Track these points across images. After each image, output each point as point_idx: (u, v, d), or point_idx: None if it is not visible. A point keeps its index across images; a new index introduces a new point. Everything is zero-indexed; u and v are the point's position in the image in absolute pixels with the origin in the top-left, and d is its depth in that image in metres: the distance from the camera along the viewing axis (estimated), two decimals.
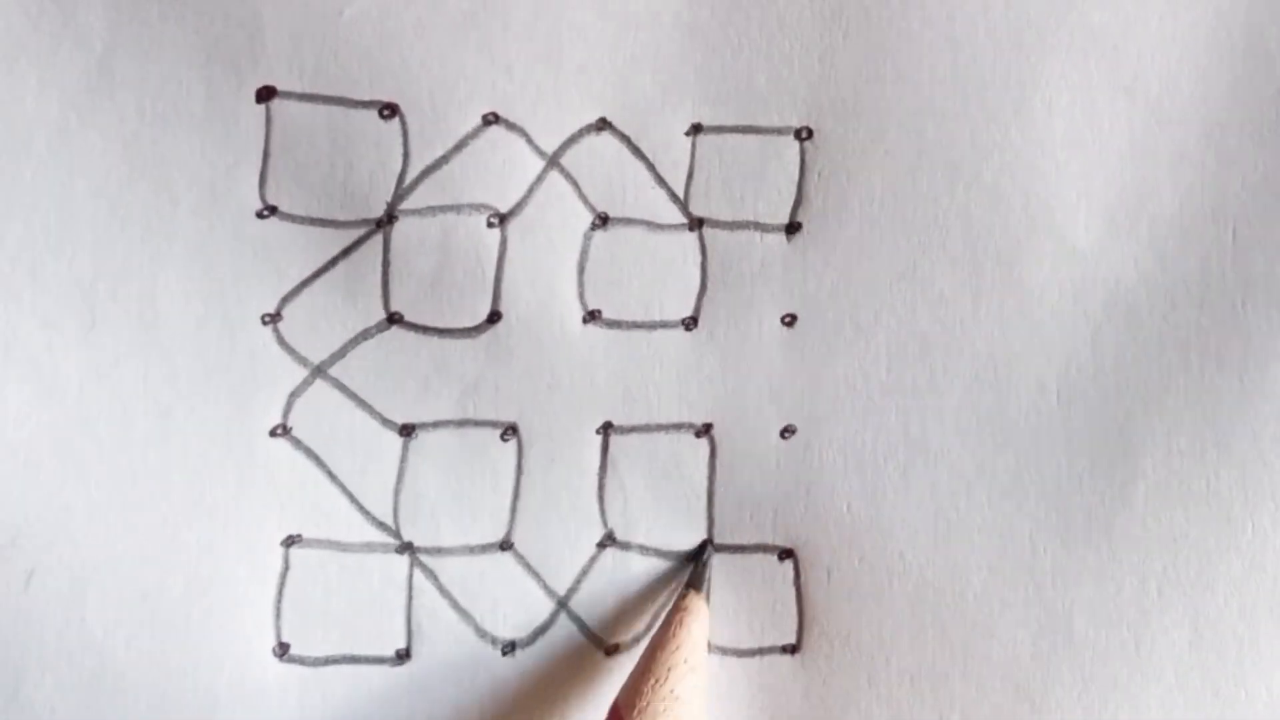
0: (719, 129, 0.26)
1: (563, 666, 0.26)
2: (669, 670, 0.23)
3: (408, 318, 0.26)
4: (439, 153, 0.26)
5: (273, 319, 0.26)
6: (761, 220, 0.26)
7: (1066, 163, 0.26)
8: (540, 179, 0.26)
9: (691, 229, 0.26)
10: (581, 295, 0.26)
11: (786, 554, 0.26)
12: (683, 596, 0.25)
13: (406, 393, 0.26)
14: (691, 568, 0.26)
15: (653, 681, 0.23)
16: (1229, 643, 0.26)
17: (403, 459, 0.26)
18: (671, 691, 0.22)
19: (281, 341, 0.26)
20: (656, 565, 0.26)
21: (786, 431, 0.26)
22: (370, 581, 0.26)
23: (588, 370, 0.26)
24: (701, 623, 0.24)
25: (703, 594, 0.25)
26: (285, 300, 0.26)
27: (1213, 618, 0.26)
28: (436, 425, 0.26)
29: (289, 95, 0.26)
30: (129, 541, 0.25)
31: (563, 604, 0.26)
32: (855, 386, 0.26)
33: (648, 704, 0.22)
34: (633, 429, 0.26)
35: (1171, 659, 0.26)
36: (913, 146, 0.26)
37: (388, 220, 0.26)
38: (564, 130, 0.26)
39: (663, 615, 0.26)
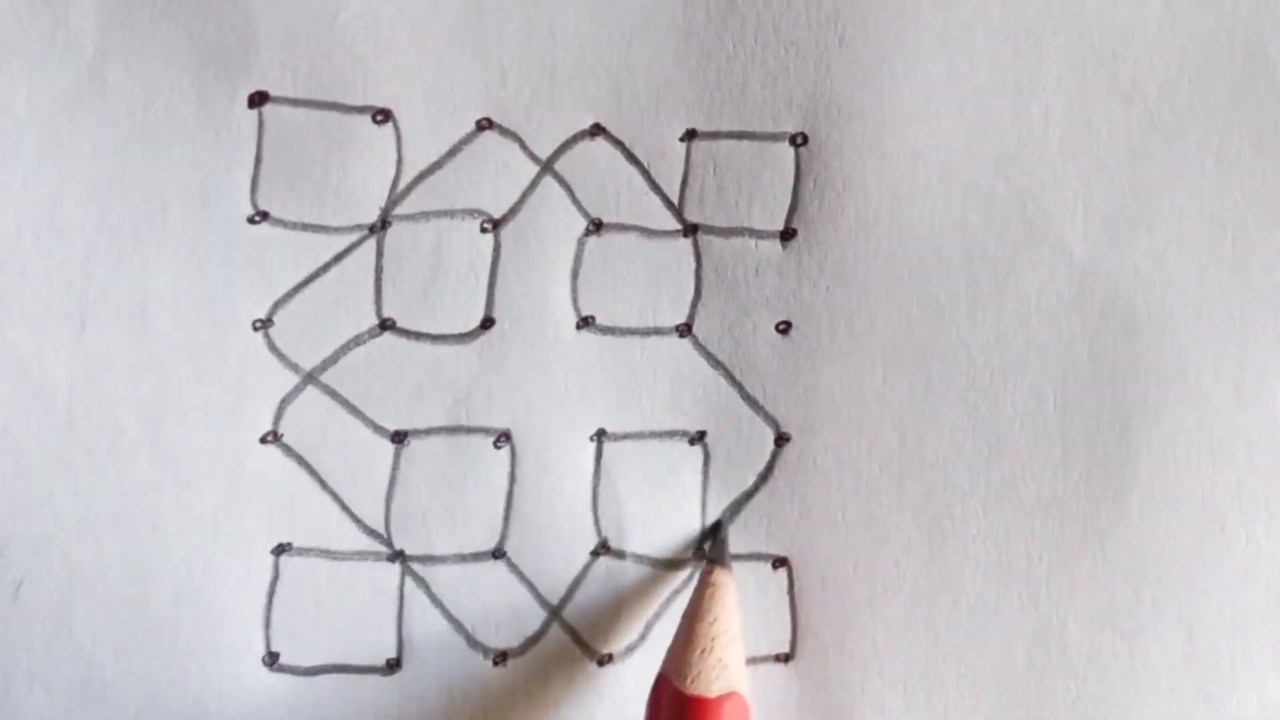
0: (713, 135, 0.27)
1: (554, 676, 0.27)
2: (713, 640, 0.23)
3: (400, 324, 0.27)
4: (432, 158, 0.27)
5: (264, 324, 0.27)
6: (756, 226, 0.27)
7: (1063, 169, 0.27)
8: (534, 184, 0.27)
9: (686, 235, 0.27)
10: (575, 301, 0.27)
11: (780, 562, 0.27)
12: (708, 573, 0.25)
13: (398, 399, 0.27)
14: (710, 544, 0.26)
15: (699, 652, 0.23)
16: (1222, 651, 0.27)
17: (394, 466, 0.27)
18: (720, 660, 0.23)
19: (273, 347, 0.27)
20: (650, 574, 0.27)
21: (781, 439, 0.27)
22: (361, 590, 0.27)
23: (581, 377, 0.27)
24: (732, 595, 0.25)
25: (727, 568, 0.25)
26: (277, 306, 0.27)
27: (1207, 626, 0.27)
28: (429, 432, 0.27)
29: (281, 100, 0.27)
30: (118, 550, 0.26)
31: (555, 613, 0.27)
32: (850, 394, 0.27)
33: (699, 673, 0.23)
34: (626, 436, 0.27)
35: (1165, 667, 0.27)
36: (908, 153, 0.27)
37: (381, 226, 0.27)
38: (558, 136, 0.27)
39: (657, 625, 0.27)
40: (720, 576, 0.25)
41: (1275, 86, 0.27)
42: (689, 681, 0.23)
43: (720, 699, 0.23)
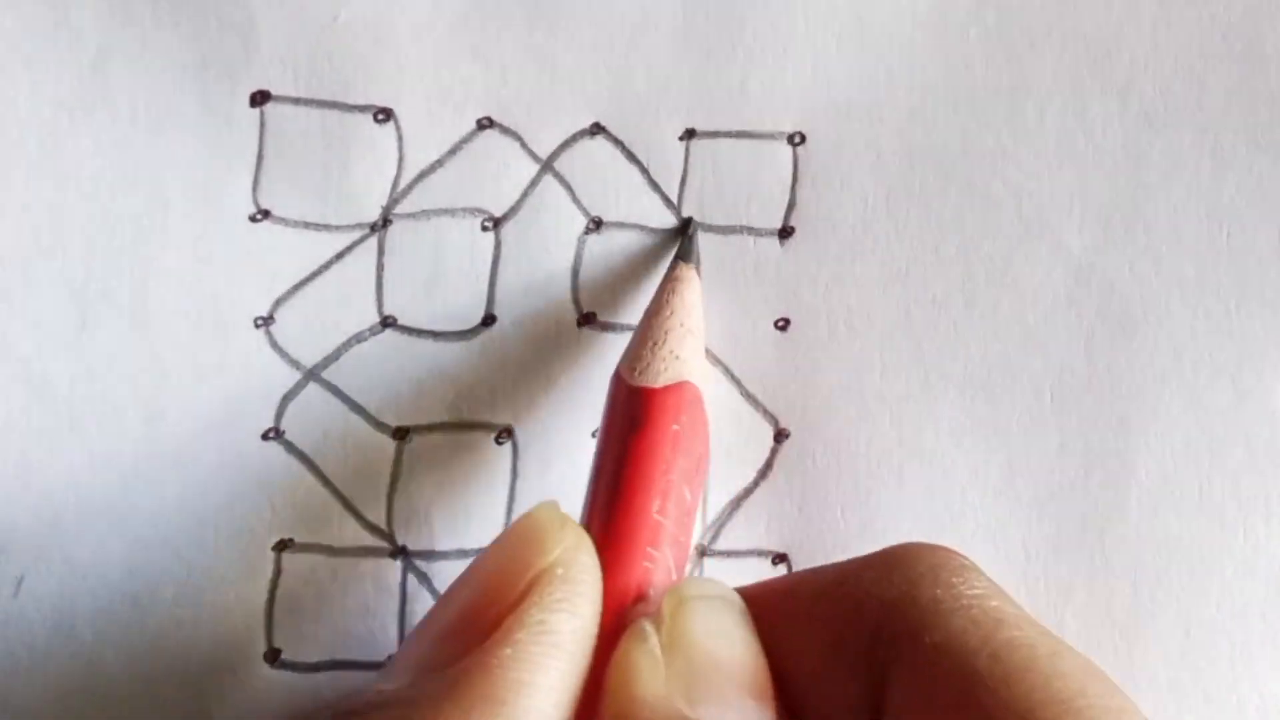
0: (712, 134, 0.27)
1: None
2: (666, 334, 0.23)
3: (401, 321, 0.27)
4: (433, 156, 0.27)
5: (265, 322, 0.27)
6: (754, 225, 0.28)
7: (1060, 167, 0.27)
8: (534, 183, 0.28)
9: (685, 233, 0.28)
10: (576, 298, 0.28)
11: (780, 558, 0.27)
12: (673, 268, 0.25)
13: (400, 396, 0.27)
14: (679, 241, 0.26)
15: (650, 344, 0.23)
16: (1222, 649, 0.27)
17: (396, 462, 0.27)
18: (671, 352, 0.23)
19: (274, 344, 0.27)
20: None
21: (779, 435, 0.27)
22: (363, 587, 0.27)
23: (583, 373, 0.27)
24: (694, 290, 0.25)
25: (692, 264, 0.25)
26: (278, 303, 0.27)
27: (1206, 623, 0.27)
28: (430, 428, 0.27)
29: (283, 99, 0.27)
30: (119, 546, 0.26)
31: None
32: (848, 390, 0.27)
33: (648, 365, 0.23)
34: None
35: (1164, 665, 0.27)
36: (905, 151, 0.28)
37: (382, 224, 0.27)
38: (558, 134, 0.28)
39: None
40: (683, 271, 0.25)
41: (1271, 84, 0.28)
42: (636, 373, 0.23)
43: (666, 389, 0.22)
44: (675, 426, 0.22)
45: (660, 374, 0.23)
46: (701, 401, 0.23)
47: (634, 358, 0.23)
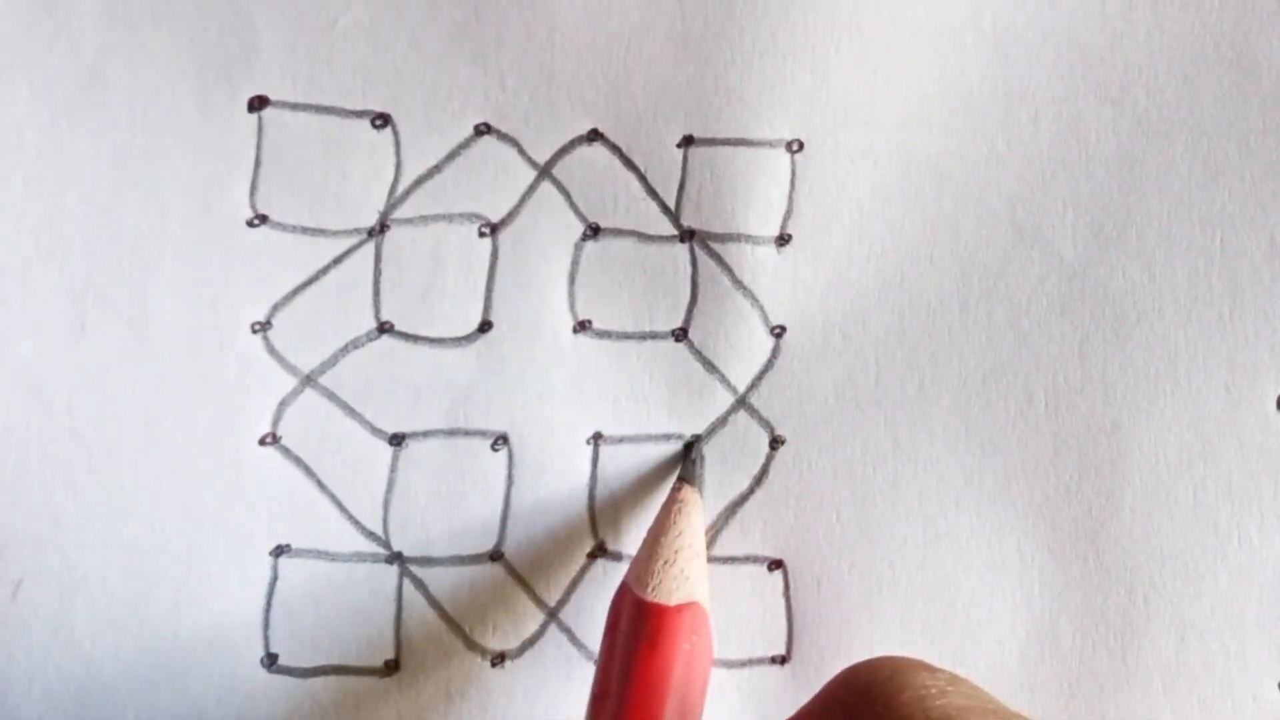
0: (710, 141, 0.28)
1: (552, 678, 0.27)
2: (676, 553, 0.24)
3: (398, 327, 0.28)
4: (431, 162, 0.28)
5: (263, 327, 0.27)
6: (752, 232, 0.28)
7: (1053, 174, 0.28)
8: (532, 189, 0.28)
9: (682, 240, 0.28)
10: (572, 305, 0.28)
11: (776, 564, 0.27)
12: (677, 489, 0.26)
13: (397, 402, 0.27)
14: (683, 463, 0.27)
15: (661, 563, 0.24)
16: (1216, 652, 0.27)
17: (393, 468, 0.27)
18: (681, 572, 0.24)
19: (271, 350, 0.27)
20: None
21: (775, 442, 0.28)
22: (359, 592, 0.27)
23: (578, 380, 0.28)
24: (699, 512, 0.25)
25: (695, 487, 0.26)
26: (276, 308, 0.27)
27: (1199, 627, 0.27)
28: (427, 434, 0.27)
29: (281, 104, 0.27)
30: (117, 550, 0.27)
31: (553, 615, 0.27)
32: (844, 396, 0.28)
33: (660, 583, 0.24)
34: (623, 439, 0.28)
35: (1159, 668, 0.27)
36: (901, 158, 0.28)
37: (379, 229, 0.27)
38: (556, 141, 0.28)
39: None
40: (688, 494, 0.26)
41: (1262, 91, 0.28)
42: (650, 590, 0.24)
43: (679, 608, 0.23)
44: (687, 646, 0.23)
45: (673, 593, 0.24)
46: (709, 623, 0.24)
47: (645, 573, 0.24)
